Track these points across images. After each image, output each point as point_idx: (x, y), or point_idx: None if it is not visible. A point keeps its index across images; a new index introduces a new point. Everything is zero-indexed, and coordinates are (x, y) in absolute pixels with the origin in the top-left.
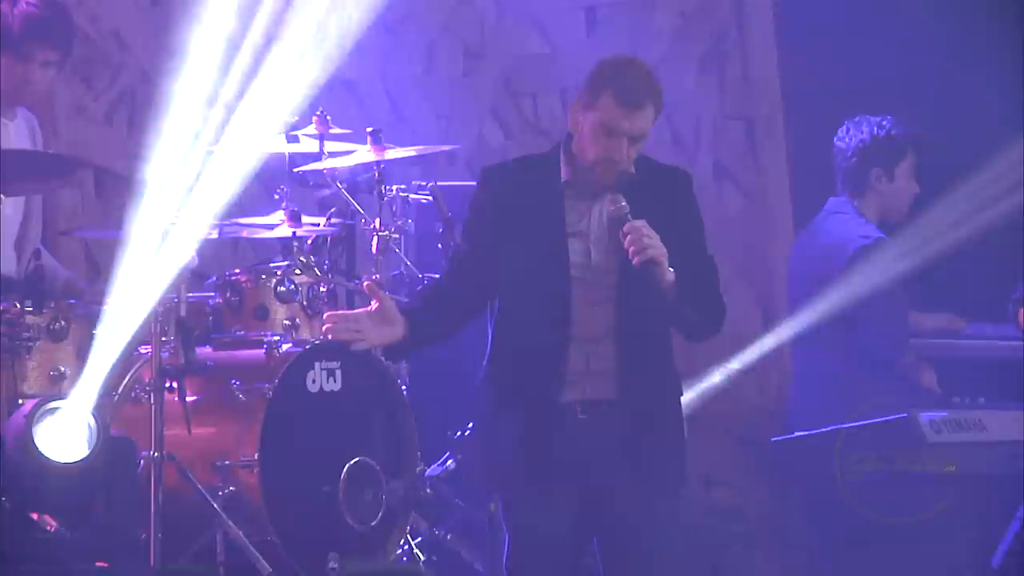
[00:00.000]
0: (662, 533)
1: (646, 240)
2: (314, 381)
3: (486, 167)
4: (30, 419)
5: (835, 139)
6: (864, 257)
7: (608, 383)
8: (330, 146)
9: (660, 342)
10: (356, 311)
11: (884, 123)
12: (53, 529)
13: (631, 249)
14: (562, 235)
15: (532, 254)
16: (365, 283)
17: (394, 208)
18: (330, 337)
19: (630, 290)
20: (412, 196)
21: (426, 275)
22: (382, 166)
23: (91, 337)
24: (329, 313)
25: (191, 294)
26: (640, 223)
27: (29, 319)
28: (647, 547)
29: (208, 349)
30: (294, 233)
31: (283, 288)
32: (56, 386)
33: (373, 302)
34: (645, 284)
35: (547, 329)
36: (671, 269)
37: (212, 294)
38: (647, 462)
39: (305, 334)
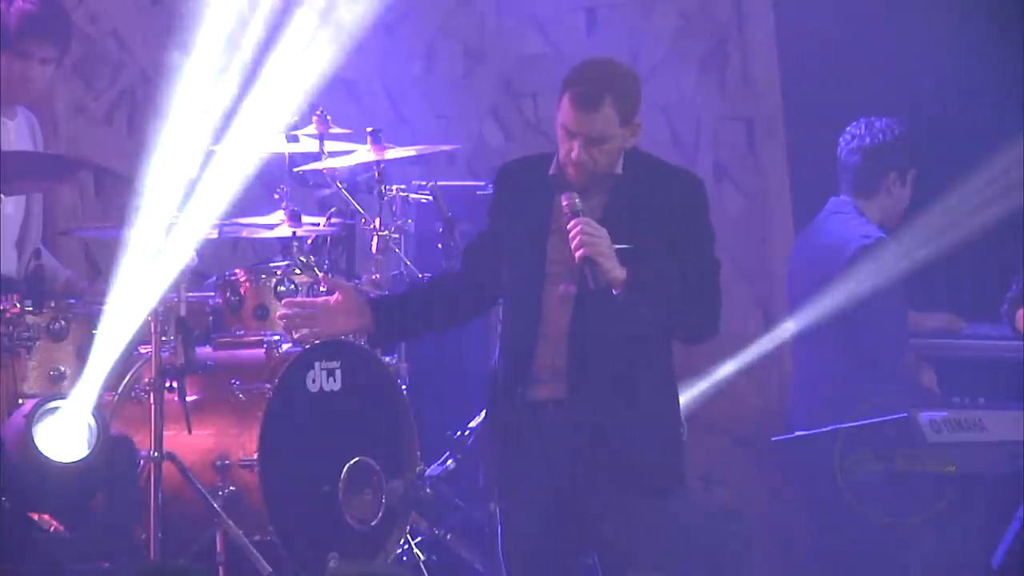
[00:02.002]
0: (647, 532)
1: (586, 237)
2: (314, 381)
3: (501, 165)
4: (30, 419)
5: (844, 138)
6: (865, 257)
7: (565, 382)
8: (330, 146)
9: (622, 342)
10: (314, 300)
11: (899, 127)
12: (53, 529)
13: (572, 244)
14: (544, 232)
15: (518, 250)
16: (320, 275)
17: (394, 208)
18: (282, 326)
19: (587, 288)
20: (412, 196)
21: (426, 275)
22: (382, 166)
23: (91, 337)
24: (286, 300)
25: (191, 294)
26: (584, 220)
27: (29, 319)
28: (632, 546)
29: (208, 349)
30: (294, 233)
31: (283, 288)
32: (56, 386)
33: (335, 294)
34: (585, 280)
35: (523, 326)
36: (623, 268)
37: (212, 294)
38: (618, 463)
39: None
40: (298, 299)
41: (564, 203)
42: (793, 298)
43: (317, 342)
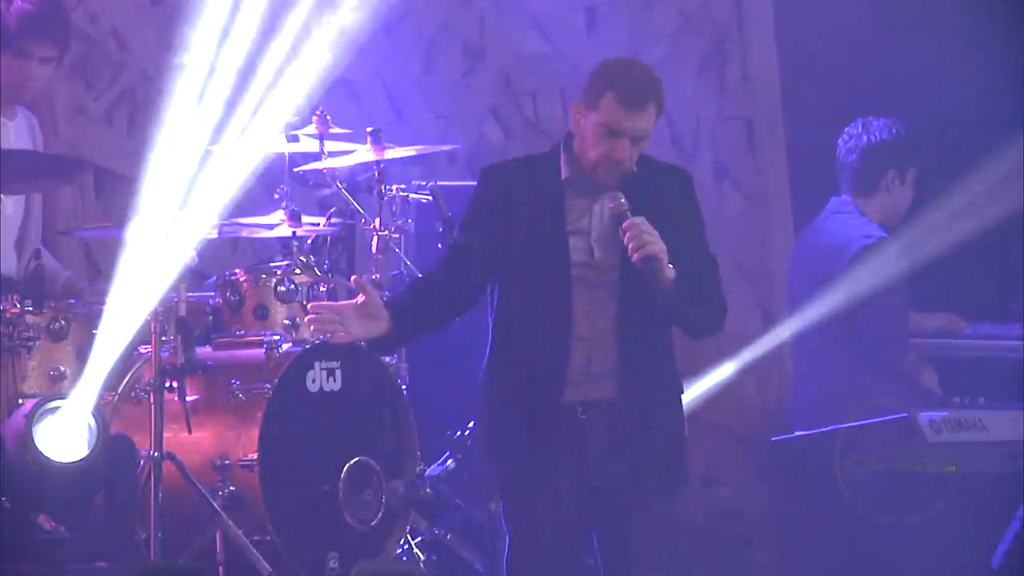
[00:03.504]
0: (660, 532)
1: (646, 236)
2: (314, 381)
3: (487, 166)
4: (30, 419)
5: (842, 138)
6: (867, 256)
7: (609, 383)
8: (330, 146)
9: (660, 341)
10: (341, 303)
11: (897, 126)
12: (53, 529)
13: (631, 245)
14: (563, 233)
15: (532, 252)
16: (353, 277)
17: (394, 208)
18: (312, 329)
19: (630, 288)
20: (412, 196)
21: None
22: (382, 166)
23: (91, 337)
24: (313, 304)
25: (191, 294)
26: (640, 219)
27: (29, 319)
28: (646, 546)
29: (208, 349)
30: (294, 233)
31: (283, 288)
32: (56, 386)
33: (360, 296)
34: (645, 280)
35: (548, 329)
36: (670, 266)
37: (212, 294)
38: (646, 462)
39: (305, 334)
40: (324, 302)
41: (609, 205)
42: (794, 298)
43: (316, 341)
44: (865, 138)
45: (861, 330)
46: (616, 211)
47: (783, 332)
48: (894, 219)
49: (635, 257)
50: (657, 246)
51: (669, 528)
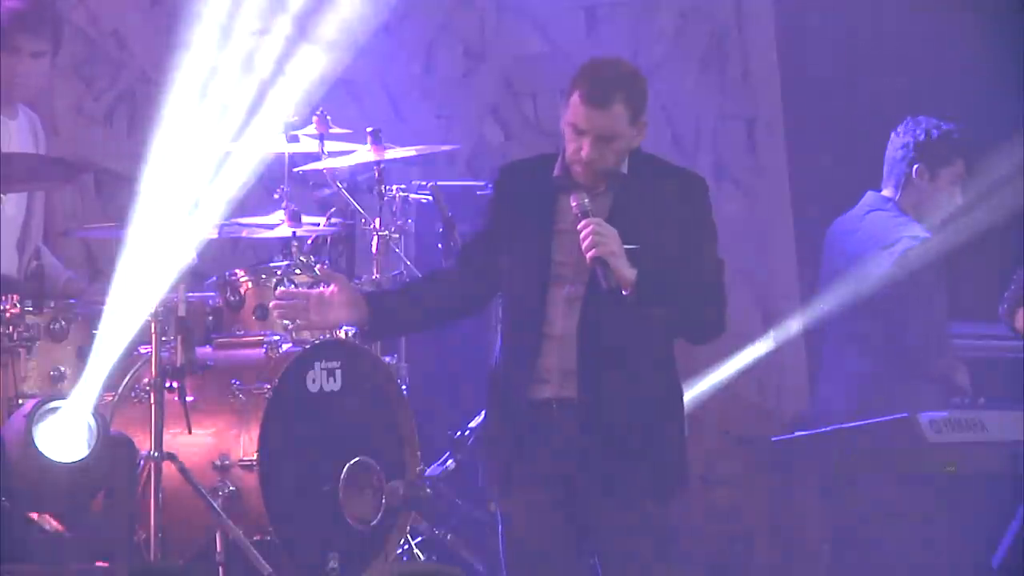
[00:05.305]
0: (649, 537)
1: (596, 237)
2: (314, 381)
3: (503, 165)
4: (30, 419)
5: (892, 133)
6: (910, 257)
7: (573, 382)
8: (330, 146)
9: (631, 342)
10: (308, 291)
11: (944, 126)
12: (53, 529)
13: (583, 245)
14: (548, 232)
15: (521, 251)
16: (317, 267)
17: (394, 208)
18: (276, 315)
19: (596, 288)
20: (412, 196)
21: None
22: (382, 166)
23: (91, 337)
24: (281, 291)
25: (191, 294)
26: (595, 220)
27: (29, 319)
28: (633, 551)
29: (208, 349)
30: (294, 233)
31: (283, 288)
32: (56, 386)
33: (331, 285)
34: (595, 280)
35: (526, 326)
36: (633, 268)
37: (212, 294)
38: (622, 464)
39: (305, 334)
40: (292, 289)
41: (573, 204)
42: (825, 292)
43: (316, 341)
44: (904, 134)
45: (901, 331)
46: (577, 211)
47: (784, 332)
48: (926, 217)
49: (587, 257)
50: (606, 247)
51: (661, 530)
